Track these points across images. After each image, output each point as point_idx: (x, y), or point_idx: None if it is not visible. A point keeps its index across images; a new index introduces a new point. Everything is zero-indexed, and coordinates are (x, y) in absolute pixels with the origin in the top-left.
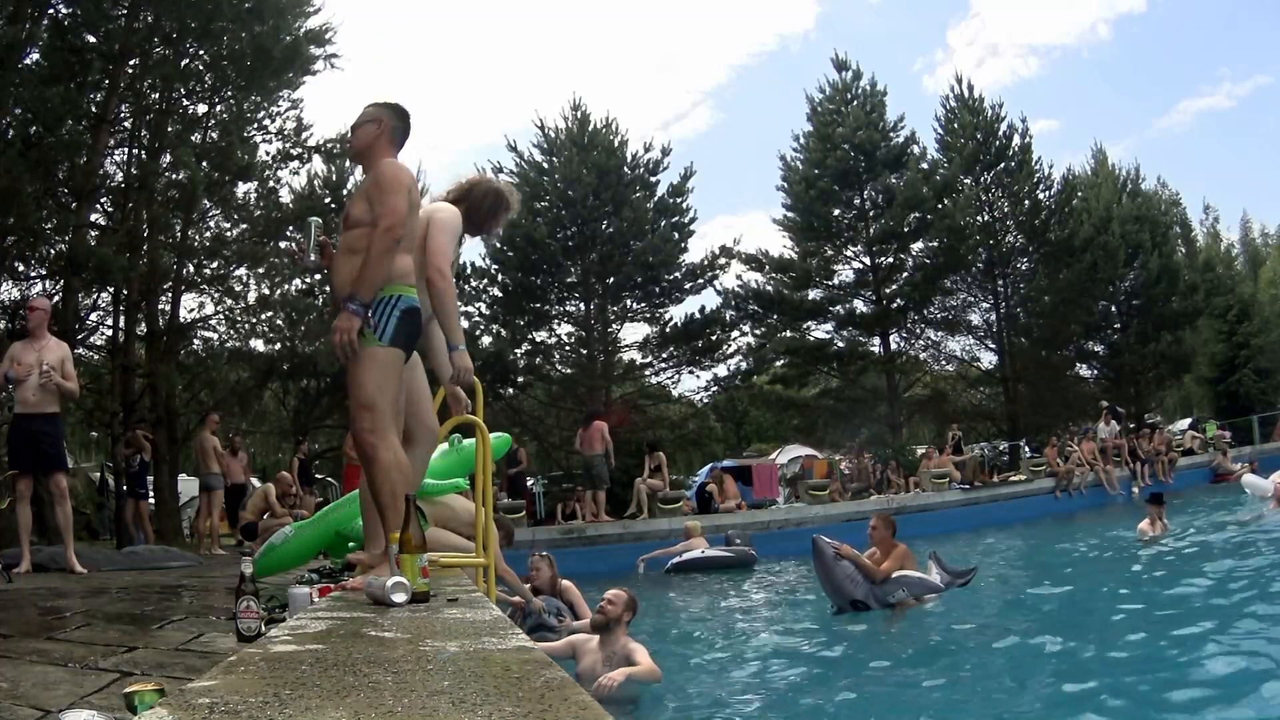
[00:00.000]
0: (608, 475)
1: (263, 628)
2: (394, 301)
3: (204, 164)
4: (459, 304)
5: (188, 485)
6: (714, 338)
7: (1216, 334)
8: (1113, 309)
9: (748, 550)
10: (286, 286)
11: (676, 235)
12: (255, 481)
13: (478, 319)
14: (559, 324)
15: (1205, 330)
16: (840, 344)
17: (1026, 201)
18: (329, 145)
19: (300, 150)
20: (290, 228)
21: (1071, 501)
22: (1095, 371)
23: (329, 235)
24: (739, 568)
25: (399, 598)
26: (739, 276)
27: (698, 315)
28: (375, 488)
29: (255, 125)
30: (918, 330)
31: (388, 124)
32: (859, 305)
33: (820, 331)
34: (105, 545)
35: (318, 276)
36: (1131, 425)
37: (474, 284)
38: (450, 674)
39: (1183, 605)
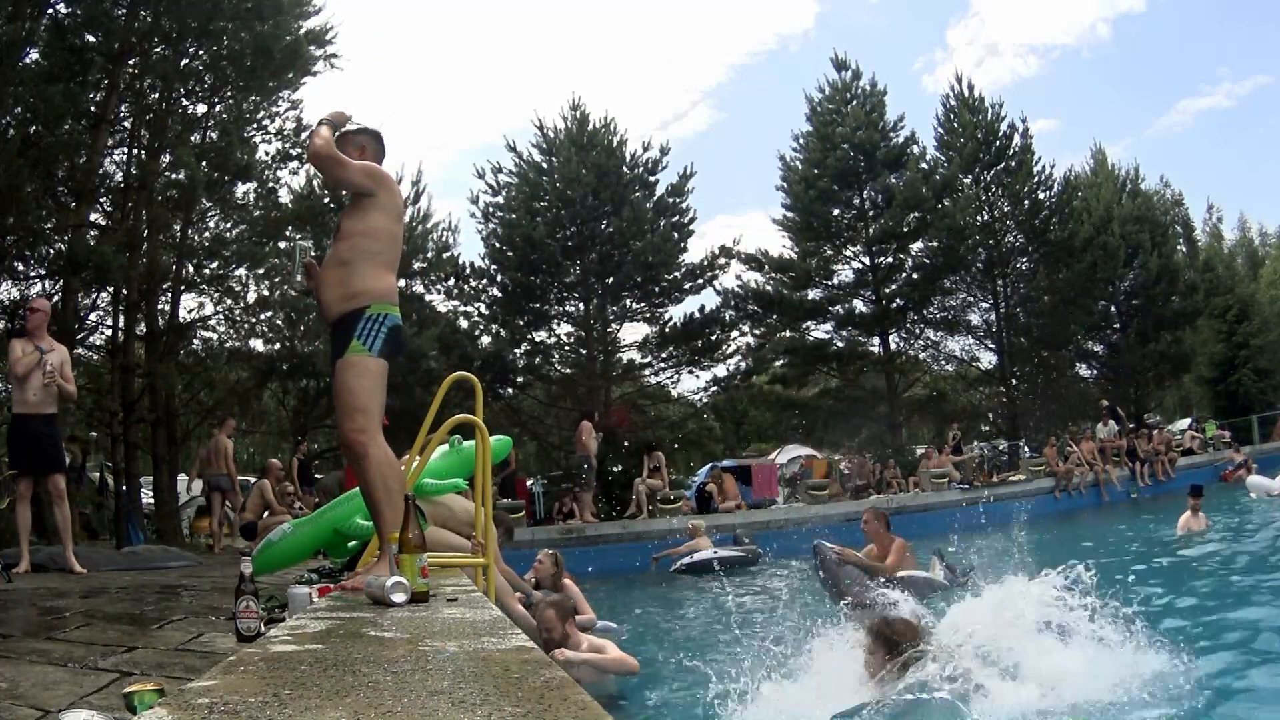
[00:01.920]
0: (591, 476)
1: (262, 628)
2: (382, 319)
3: (203, 164)
4: (458, 304)
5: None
6: (713, 338)
7: (1216, 334)
8: (1112, 309)
9: (754, 548)
10: (285, 287)
11: (676, 235)
12: (250, 479)
13: (477, 319)
14: (558, 324)
15: (1205, 330)
16: (840, 344)
17: (1026, 201)
18: None
19: (300, 150)
20: (290, 228)
21: (1071, 501)
22: (1095, 371)
23: (317, 255)
24: (743, 566)
25: (398, 597)
26: (738, 276)
27: (697, 315)
28: (368, 485)
29: (255, 125)
30: (917, 330)
31: (370, 149)
32: (858, 305)
33: (820, 331)
34: (104, 545)
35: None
36: (1131, 425)
37: (473, 284)
38: (449, 674)
39: (1248, 602)
